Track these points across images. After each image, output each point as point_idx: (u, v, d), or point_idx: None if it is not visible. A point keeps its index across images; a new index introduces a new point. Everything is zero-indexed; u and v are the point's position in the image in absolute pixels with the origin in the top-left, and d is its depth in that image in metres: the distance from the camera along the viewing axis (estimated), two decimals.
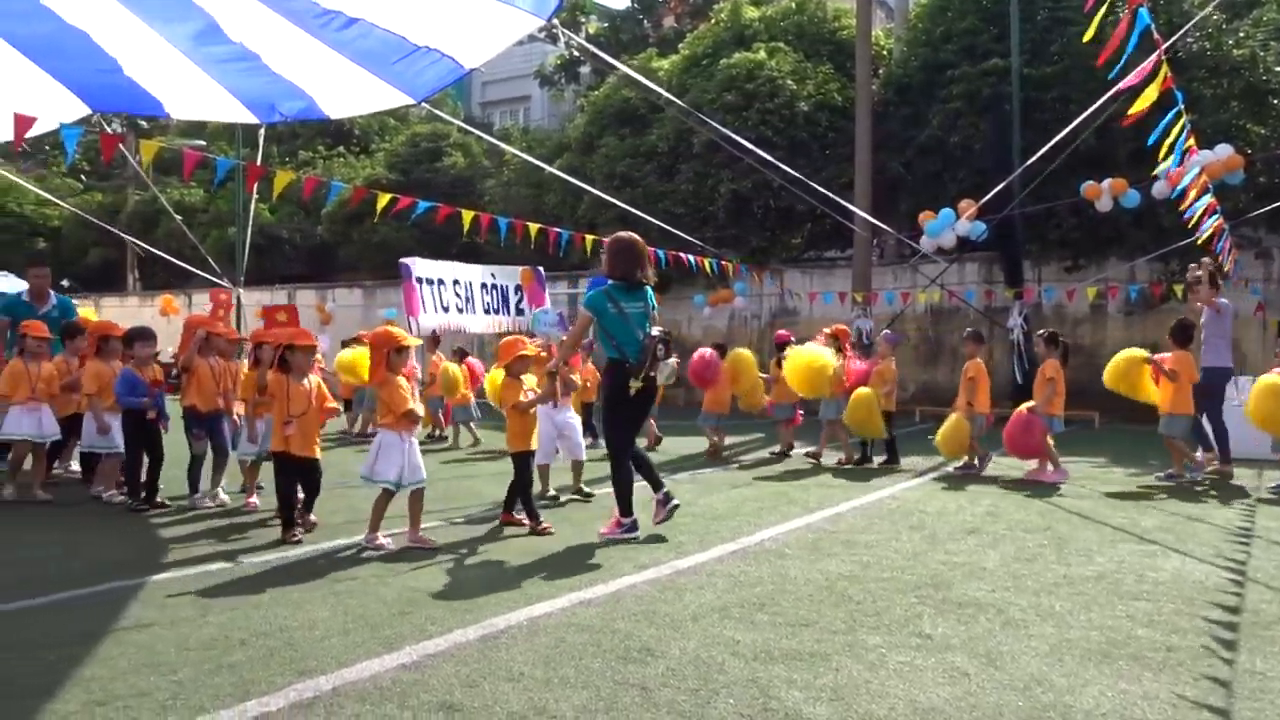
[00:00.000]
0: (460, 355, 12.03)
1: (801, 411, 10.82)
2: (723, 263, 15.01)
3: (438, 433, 12.25)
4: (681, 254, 13.37)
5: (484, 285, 9.02)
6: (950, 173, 16.09)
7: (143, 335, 7.59)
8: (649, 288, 6.45)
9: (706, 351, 10.65)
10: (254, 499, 7.31)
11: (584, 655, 3.84)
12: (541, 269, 9.11)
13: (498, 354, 7.19)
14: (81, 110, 8.18)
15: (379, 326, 7.41)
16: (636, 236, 6.55)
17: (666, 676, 3.62)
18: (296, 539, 6.05)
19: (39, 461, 7.80)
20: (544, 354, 7.35)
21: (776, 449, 10.73)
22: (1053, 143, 9.96)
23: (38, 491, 7.60)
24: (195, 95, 8.43)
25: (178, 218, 15.72)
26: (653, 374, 6.18)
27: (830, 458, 10.11)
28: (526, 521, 6.50)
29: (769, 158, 11.44)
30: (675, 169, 18.18)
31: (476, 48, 7.53)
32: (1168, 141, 7.53)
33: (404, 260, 8.15)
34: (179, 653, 3.86)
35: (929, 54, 17.01)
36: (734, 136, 11.15)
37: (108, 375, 7.58)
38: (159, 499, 7.31)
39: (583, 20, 29.11)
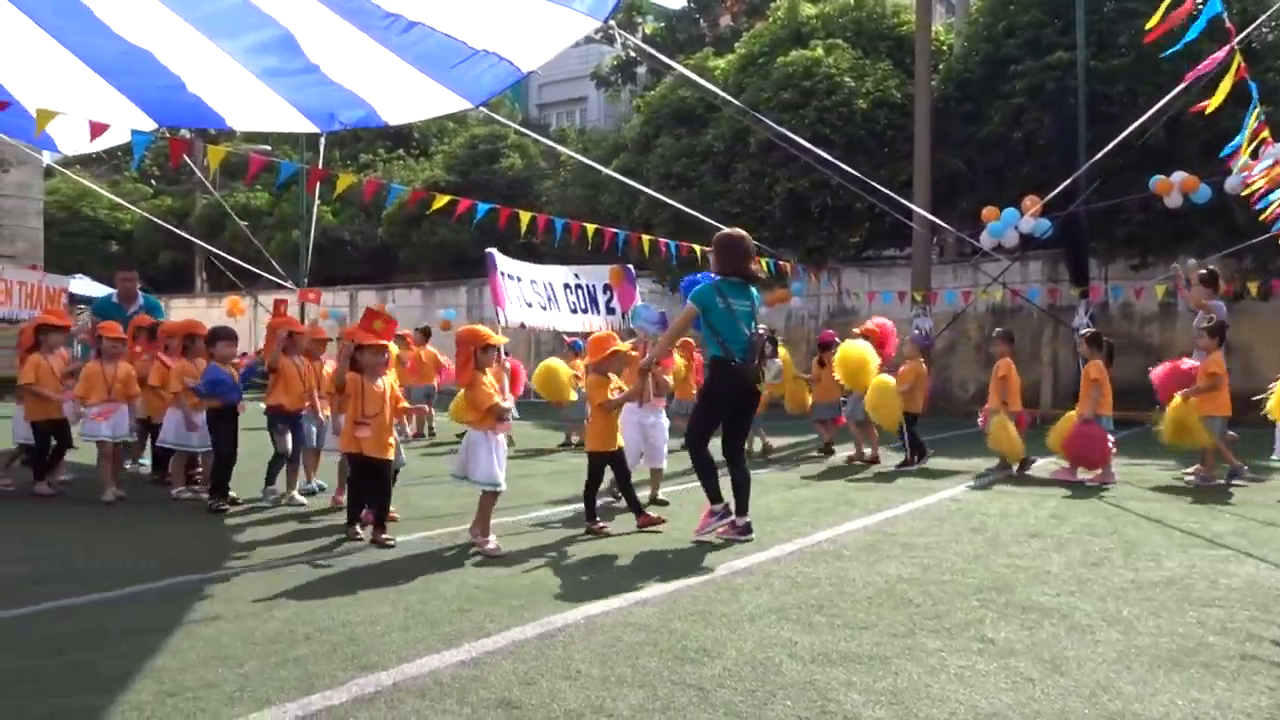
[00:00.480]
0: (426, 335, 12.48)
1: (843, 411, 10.75)
2: (779, 262, 14.92)
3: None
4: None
5: (566, 285, 8.80)
6: (1013, 169, 15.80)
7: (225, 334, 7.66)
8: (754, 286, 6.29)
9: None
10: (344, 496, 7.15)
11: (641, 655, 3.85)
12: (631, 267, 8.82)
13: (587, 351, 7.06)
14: (150, 123, 8.44)
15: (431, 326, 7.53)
16: (744, 232, 6.39)
17: (723, 677, 3.60)
18: (358, 537, 6.06)
19: (107, 461, 7.85)
20: (634, 352, 7.14)
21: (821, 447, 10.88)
22: (1121, 137, 9.72)
23: (111, 490, 7.71)
24: (257, 107, 8.67)
25: (242, 223, 16.09)
26: (761, 373, 6.05)
27: (892, 459, 9.99)
28: (594, 527, 6.40)
29: (826, 155, 11.35)
30: (731, 168, 18.12)
31: (533, 50, 7.58)
32: (1245, 137, 7.30)
33: (490, 250, 8.00)
34: (245, 646, 3.95)
35: (991, 49, 16.73)
36: (790, 135, 11.08)
37: (192, 374, 7.75)
38: (232, 497, 7.42)
39: (639, 21, 29.18)
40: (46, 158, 18.61)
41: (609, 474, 6.65)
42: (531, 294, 8.58)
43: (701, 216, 12.45)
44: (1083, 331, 9.50)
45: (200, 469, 8.08)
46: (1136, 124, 9.44)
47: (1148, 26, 6.95)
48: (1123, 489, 8.34)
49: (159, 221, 23.10)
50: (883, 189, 12.08)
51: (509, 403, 6.06)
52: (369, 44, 7.78)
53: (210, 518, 7.04)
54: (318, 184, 11.56)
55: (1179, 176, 11.75)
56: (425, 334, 13.60)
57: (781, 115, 16.61)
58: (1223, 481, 8.48)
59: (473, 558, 5.66)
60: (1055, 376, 16.66)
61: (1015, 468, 9.25)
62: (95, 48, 7.79)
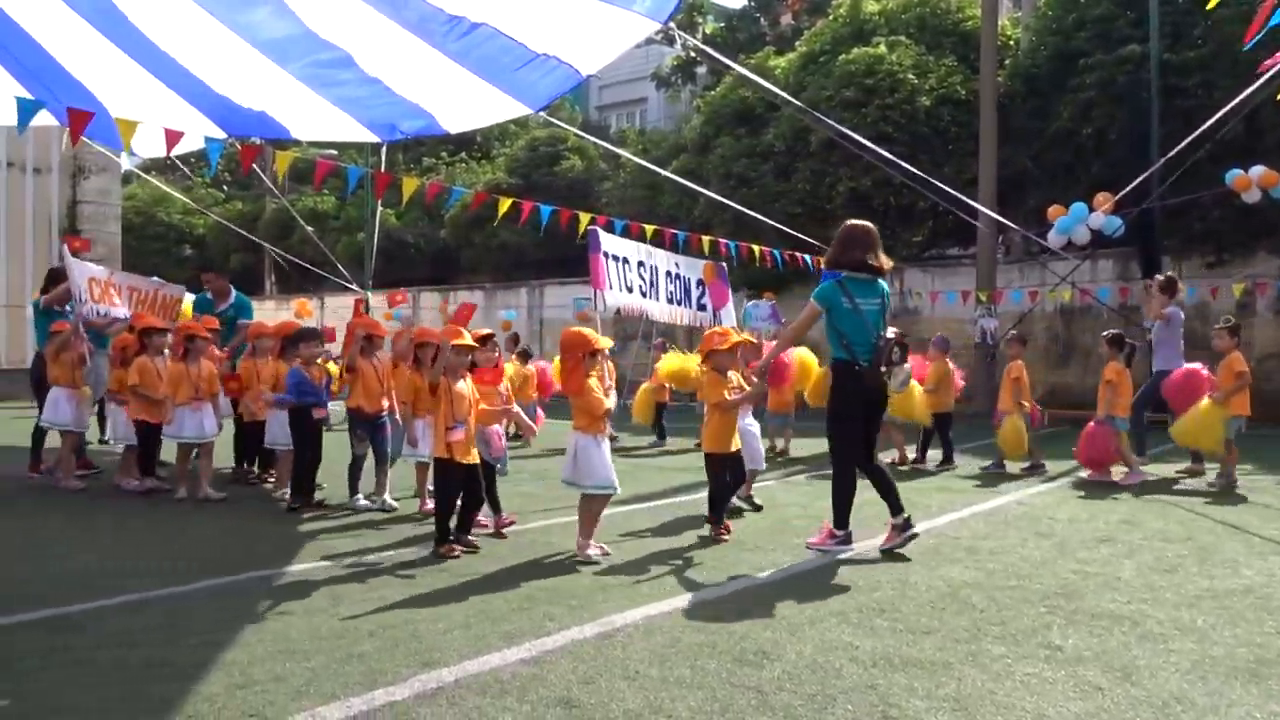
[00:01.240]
0: (524, 357, 12.24)
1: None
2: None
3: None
4: (798, 254, 13.23)
5: (668, 273, 8.50)
6: (1081, 166, 15.44)
7: (308, 335, 7.60)
8: (883, 280, 5.91)
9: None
10: (430, 503, 6.79)
11: (700, 656, 3.84)
12: (724, 265, 8.57)
13: (701, 344, 6.73)
14: (220, 133, 8.72)
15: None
16: (869, 223, 5.95)
17: (783, 680, 3.58)
18: (455, 555, 5.68)
19: (206, 459, 7.87)
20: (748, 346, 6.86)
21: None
22: (1199, 132, 9.43)
23: (208, 490, 7.73)
24: (319, 120, 8.90)
25: (309, 228, 16.45)
26: (886, 379, 5.70)
27: (968, 463, 9.84)
28: (721, 533, 6.16)
29: (887, 154, 11.20)
30: (792, 168, 18.00)
31: (594, 53, 7.62)
32: None
33: (593, 228, 7.70)
34: (312, 641, 4.03)
35: (1059, 42, 16.36)
36: (850, 133, 10.96)
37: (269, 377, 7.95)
38: (318, 499, 7.40)
39: (699, 20, 29.11)
40: (125, 161, 19.23)
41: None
42: (635, 277, 8.27)
43: (760, 217, 12.39)
44: (1105, 333, 9.37)
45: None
46: (1215, 118, 9.15)
47: (1244, 43, 6.71)
48: (1197, 495, 8.09)
49: (230, 225, 23.71)
50: (946, 187, 11.89)
51: (611, 401, 5.89)
52: (430, 53, 7.90)
53: (278, 515, 7.19)
54: (383, 188, 11.78)
55: (1258, 171, 11.37)
56: (524, 356, 12.72)
57: (843, 114, 16.45)
58: (1224, 481, 8.36)
59: (531, 555, 5.70)
60: (1130, 379, 16.21)
61: (1022, 467, 9.35)
62: (162, 67, 8.12)
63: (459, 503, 5.83)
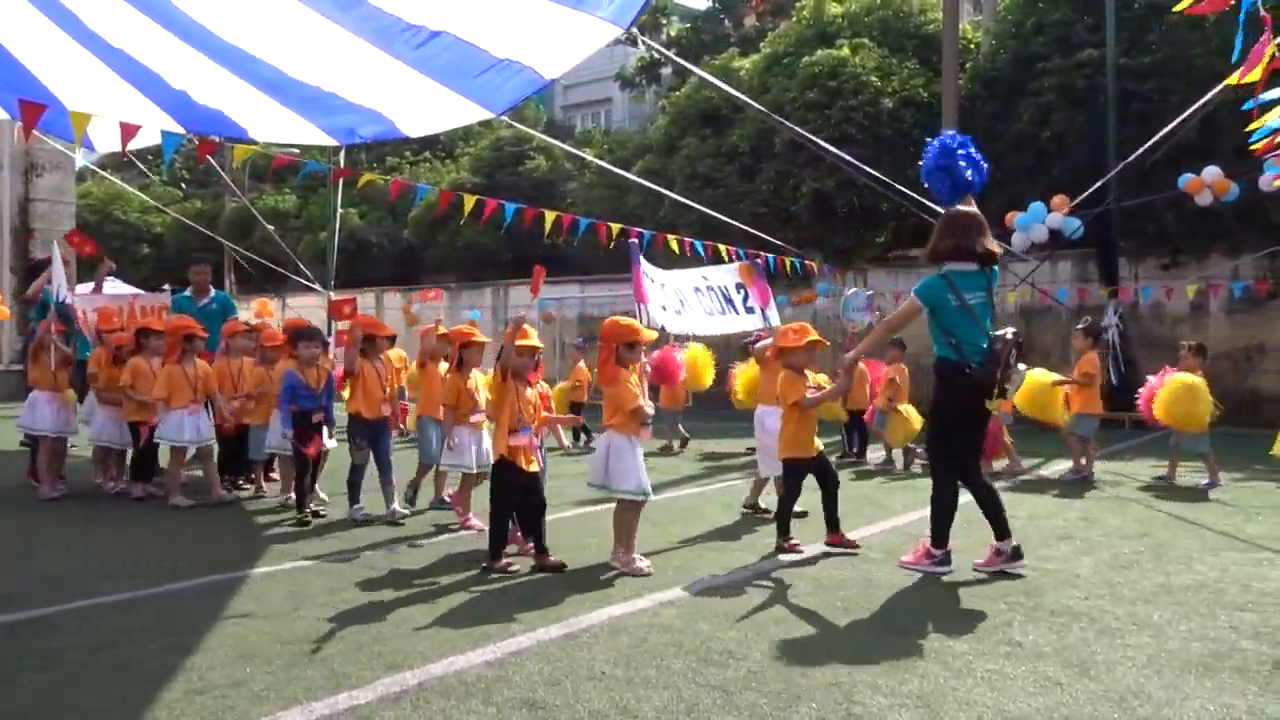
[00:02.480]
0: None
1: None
2: (805, 263, 14.87)
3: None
4: (762, 254, 13.29)
5: (697, 289, 8.22)
6: (1042, 168, 15.65)
7: (307, 334, 7.15)
8: (992, 270, 5.38)
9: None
10: (474, 519, 6.49)
11: (665, 656, 3.85)
12: (759, 262, 8.34)
13: (776, 342, 6.30)
14: (177, 128, 8.59)
15: (458, 325, 7.41)
16: (975, 209, 5.38)
17: (748, 679, 3.60)
18: (513, 568, 5.32)
19: (208, 463, 7.71)
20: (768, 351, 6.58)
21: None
22: (1155, 139, 9.60)
23: (220, 493, 7.62)
24: (278, 122, 8.80)
25: (269, 227, 16.24)
26: (1006, 384, 5.12)
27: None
28: (788, 546, 5.79)
29: (846, 158, 11.30)
30: (757, 169, 18.07)
31: (556, 58, 7.58)
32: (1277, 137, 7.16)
33: (633, 240, 7.40)
34: (274, 645, 3.98)
35: (1019, 46, 16.58)
36: (811, 138, 11.03)
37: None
38: (316, 508, 7.05)
39: (664, 21, 29.17)
40: (80, 158, 18.90)
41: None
42: (665, 297, 7.98)
43: (725, 218, 12.43)
44: (1079, 324, 9.56)
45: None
46: (1171, 126, 9.31)
47: (1176, 9, 6.77)
48: (1153, 491, 8.23)
49: (189, 224, 23.37)
50: (908, 190, 12.01)
51: (650, 406, 5.52)
52: (388, 61, 7.83)
53: (243, 517, 7.09)
54: (342, 184, 11.67)
55: (1211, 174, 11.59)
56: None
57: (807, 115, 16.54)
58: (1076, 477, 8.80)
59: (302, 522, 5.66)
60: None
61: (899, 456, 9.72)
62: (116, 60, 8.01)
63: (511, 512, 5.49)
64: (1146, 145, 10.01)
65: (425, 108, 8.64)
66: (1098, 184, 12.03)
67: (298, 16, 7.51)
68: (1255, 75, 6.21)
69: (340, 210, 17.04)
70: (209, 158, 11.32)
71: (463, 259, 25.20)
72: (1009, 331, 5.21)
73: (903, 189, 11.73)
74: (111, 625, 4.28)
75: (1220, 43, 7.34)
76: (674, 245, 11.18)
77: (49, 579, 5.12)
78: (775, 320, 7.50)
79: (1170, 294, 14.92)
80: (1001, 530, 5.29)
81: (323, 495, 7.35)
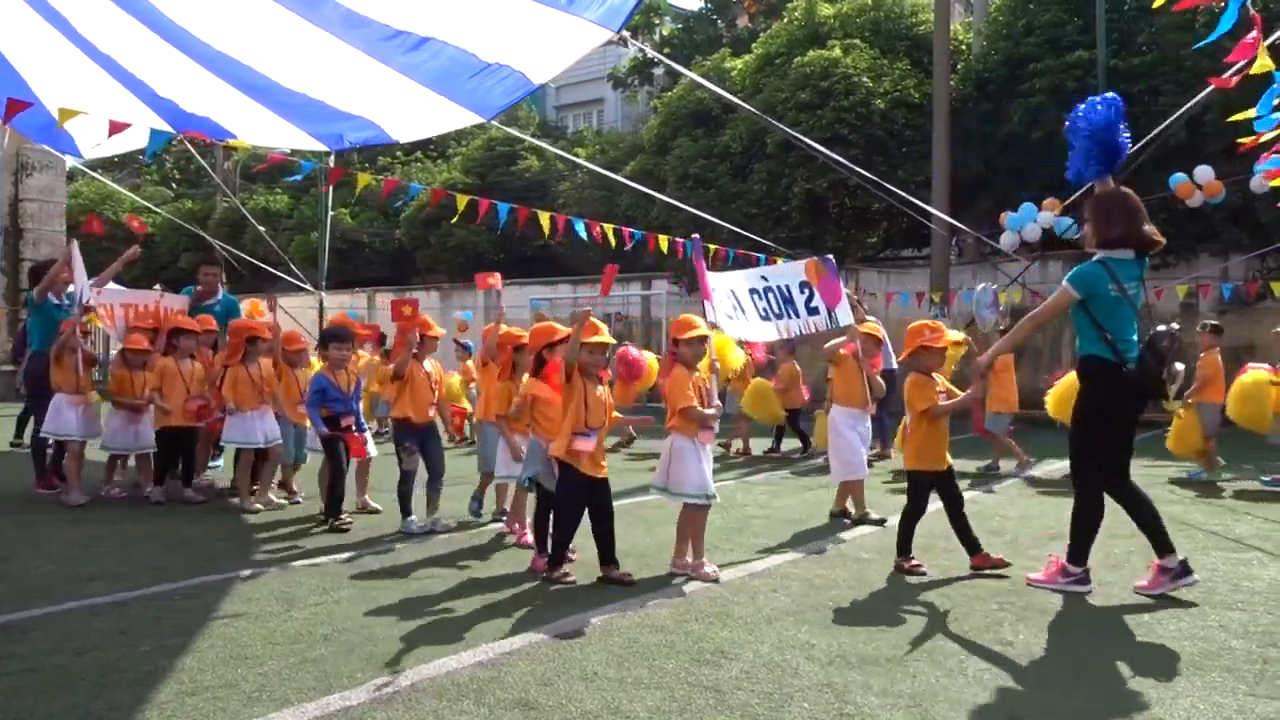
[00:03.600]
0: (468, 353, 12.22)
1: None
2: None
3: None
4: (753, 255, 13.30)
5: (753, 291, 7.79)
6: (1033, 169, 15.70)
7: (338, 336, 6.90)
8: (1144, 259, 4.93)
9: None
10: (528, 532, 6.01)
11: (657, 656, 3.85)
12: (831, 257, 7.80)
13: (906, 341, 5.59)
14: (167, 128, 8.56)
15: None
16: (1129, 190, 4.91)
17: (740, 679, 3.60)
18: (570, 579, 5.07)
19: (269, 466, 7.49)
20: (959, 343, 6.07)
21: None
22: (1144, 140, 9.64)
23: (270, 497, 7.47)
24: (266, 128, 8.78)
25: (261, 228, 16.19)
26: (1169, 384, 4.71)
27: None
28: (908, 567, 5.32)
29: (837, 158, 11.30)
30: (749, 169, 18.09)
31: (546, 62, 7.55)
32: (1266, 137, 7.18)
33: (695, 237, 7.04)
34: (265, 646, 3.97)
35: (1010, 48, 16.63)
36: (801, 139, 11.02)
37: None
38: (343, 516, 6.68)
39: (656, 22, 29.16)
40: (69, 161, 18.82)
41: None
42: (719, 299, 7.60)
43: (715, 220, 12.43)
44: (999, 325, 9.67)
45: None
46: (1164, 125, 9.35)
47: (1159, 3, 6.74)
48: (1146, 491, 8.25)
49: (180, 224, 23.28)
50: (899, 190, 12.04)
51: (713, 410, 5.27)
52: (376, 67, 7.80)
53: (236, 518, 7.06)
54: (334, 184, 11.63)
55: (1203, 175, 11.63)
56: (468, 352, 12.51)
57: (799, 116, 16.56)
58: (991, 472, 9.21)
59: (489, 559, 5.67)
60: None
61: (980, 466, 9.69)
62: (108, 65, 7.99)
63: (576, 520, 5.15)
64: (1135, 147, 10.04)
65: (415, 113, 8.62)
66: (1085, 186, 12.07)
67: (286, 23, 7.48)
68: (1263, 64, 6.17)
69: (331, 210, 16.97)
70: (199, 157, 11.28)
71: (454, 259, 25.17)
72: (1173, 325, 4.80)
73: (892, 189, 11.75)
74: (100, 627, 4.26)
75: (1209, 45, 7.36)
76: (664, 245, 11.19)
77: (35, 581, 5.09)
78: (846, 320, 7.06)
79: (1160, 294, 14.97)
80: (1163, 546, 4.78)
81: (375, 505, 7.12)
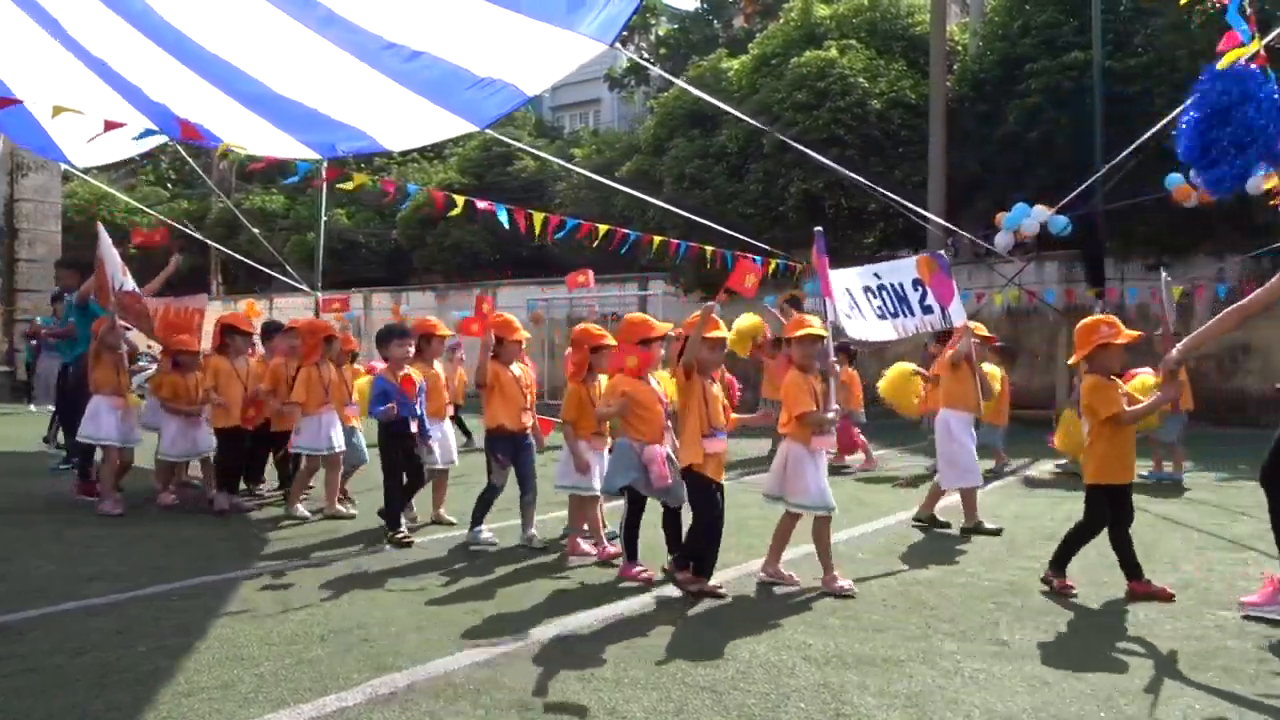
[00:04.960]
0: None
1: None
2: (789, 264, 14.88)
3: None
4: (749, 256, 13.31)
5: (867, 289, 7.54)
6: (1029, 170, 15.73)
7: (400, 333, 6.46)
8: None
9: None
10: (588, 545, 5.79)
11: (654, 657, 3.85)
12: (943, 254, 7.33)
13: (1076, 342, 5.10)
14: (156, 129, 8.55)
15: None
16: None
17: (736, 679, 3.60)
18: (722, 595, 4.78)
19: (334, 472, 7.16)
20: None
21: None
22: (1140, 140, 9.66)
23: (338, 508, 7.07)
24: (258, 135, 8.77)
25: (255, 230, 16.19)
26: None
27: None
28: (1059, 586, 4.91)
29: (829, 162, 11.31)
30: (745, 169, 18.10)
31: (539, 74, 7.55)
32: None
33: (818, 229, 6.52)
34: (262, 647, 3.97)
35: (1006, 48, 16.65)
36: (793, 144, 11.04)
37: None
38: (405, 529, 6.23)
39: (653, 22, 29.15)
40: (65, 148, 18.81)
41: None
42: (839, 297, 7.30)
43: (709, 223, 12.43)
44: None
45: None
46: (1156, 127, 9.36)
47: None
48: (1140, 492, 8.27)
49: (175, 225, 23.23)
50: (894, 192, 12.04)
51: (832, 413, 5.02)
52: (370, 74, 7.80)
53: (235, 519, 7.03)
54: (331, 185, 11.64)
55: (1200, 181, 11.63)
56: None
57: (795, 116, 16.57)
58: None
59: (488, 560, 5.66)
60: (1071, 378, 16.56)
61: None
62: (99, 69, 7.97)
63: (720, 530, 4.90)
64: (1131, 147, 10.06)
65: (407, 122, 8.61)
66: (1082, 185, 12.09)
67: (281, 28, 7.48)
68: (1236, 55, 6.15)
69: (327, 211, 16.96)
70: (191, 160, 11.27)
71: (451, 259, 25.17)
72: None
73: (885, 193, 11.77)
74: (99, 627, 4.25)
75: (1206, 45, 7.37)
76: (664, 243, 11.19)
77: (34, 582, 5.09)
78: (959, 319, 6.70)
79: (1156, 295, 14.99)
80: None
81: (449, 517, 6.79)
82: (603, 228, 10.73)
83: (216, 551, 5.89)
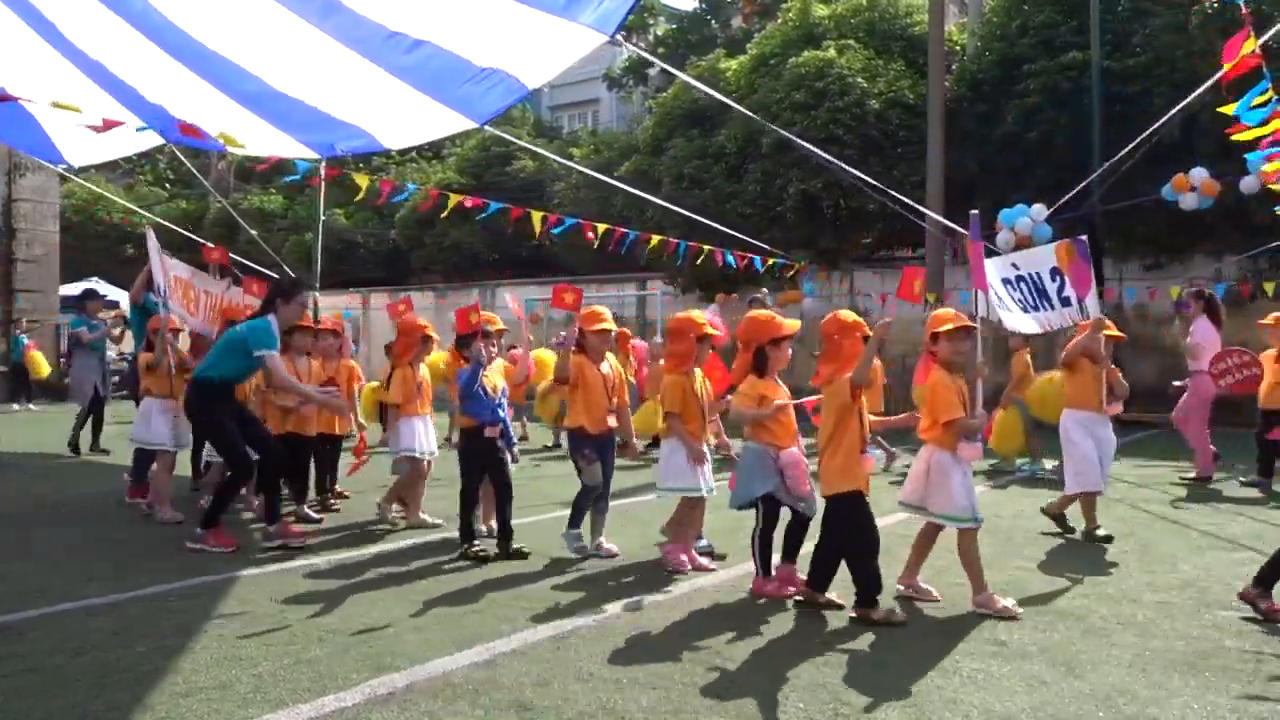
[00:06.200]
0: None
1: None
2: (787, 264, 14.89)
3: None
4: (748, 255, 13.31)
5: (1006, 281, 7.19)
6: (1028, 170, 15.73)
7: (485, 331, 6.06)
8: None
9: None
10: (703, 559, 5.50)
11: (653, 656, 3.85)
12: (1084, 238, 6.88)
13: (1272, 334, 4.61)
14: (159, 140, 8.57)
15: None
16: None
17: (736, 679, 3.60)
18: (900, 621, 4.37)
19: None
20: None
21: None
22: (1143, 136, 9.66)
23: (424, 518, 6.73)
24: (257, 136, 8.78)
25: (252, 232, 16.18)
26: None
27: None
28: (1269, 610, 4.37)
29: (830, 159, 11.32)
30: (744, 169, 18.10)
31: (539, 66, 7.54)
32: (1258, 132, 7.18)
33: (973, 212, 6.00)
34: (260, 647, 3.97)
35: (1005, 48, 16.66)
36: (794, 139, 11.04)
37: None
38: (477, 543, 5.80)
39: (651, 22, 29.17)
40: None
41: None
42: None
43: (708, 222, 12.44)
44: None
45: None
46: (1160, 123, 9.37)
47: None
48: (1139, 491, 8.28)
49: (173, 226, 23.22)
50: (893, 191, 12.05)
51: (979, 419, 4.69)
52: (370, 69, 7.79)
53: (234, 520, 6.98)
54: (328, 185, 11.62)
55: (1199, 175, 11.63)
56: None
57: (794, 116, 16.57)
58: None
59: (486, 560, 5.65)
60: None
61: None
62: (96, 72, 7.98)
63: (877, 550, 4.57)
64: (1129, 147, 10.06)
65: (406, 118, 8.60)
66: (1080, 186, 12.10)
67: (281, 21, 7.47)
68: (1243, 54, 6.14)
69: (326, 211, 16.95)
70: (187, 162, 11.26)
71: (450, 259, 25.15)
72: None
73: (883, 189, 11.77)
74: (98, 627, 4.25)
75: (1204, 45, 7.40)
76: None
77: (34, 582, 5.09)
78: (1095, 312, 6.30)
79: (1154, 295, 15.01)
80: None
81: (482, 528, 6.31)
82: (602, 227, 10.72)
83: (211, 552, 5.88)
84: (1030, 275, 7.23)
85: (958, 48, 18.73)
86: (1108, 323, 6.22)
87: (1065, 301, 7.03)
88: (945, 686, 3.54)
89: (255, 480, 6.55)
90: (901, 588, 4.79)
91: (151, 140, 8.53)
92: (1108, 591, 4.90)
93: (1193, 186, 11.36)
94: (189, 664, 3.76)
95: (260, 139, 8.99)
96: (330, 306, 18.68)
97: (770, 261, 13.20)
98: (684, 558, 5.38)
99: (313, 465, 7.37)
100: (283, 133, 8.84)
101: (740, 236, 12.92)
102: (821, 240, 17.87)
